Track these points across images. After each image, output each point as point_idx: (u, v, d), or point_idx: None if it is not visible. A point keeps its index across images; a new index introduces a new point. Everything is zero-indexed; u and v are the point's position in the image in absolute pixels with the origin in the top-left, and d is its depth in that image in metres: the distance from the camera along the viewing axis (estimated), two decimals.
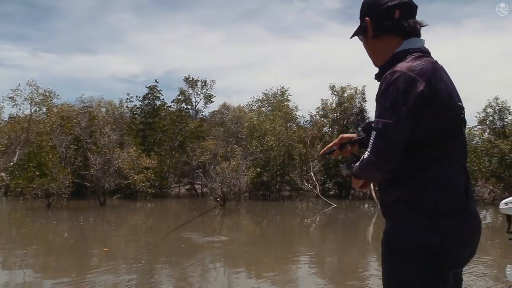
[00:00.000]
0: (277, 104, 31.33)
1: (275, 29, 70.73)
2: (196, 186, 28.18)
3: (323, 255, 8.85)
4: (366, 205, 22.12)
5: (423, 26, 1.59)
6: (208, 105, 37.73)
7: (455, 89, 1.54)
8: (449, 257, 1.45)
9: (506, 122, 24.23)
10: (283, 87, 34.01)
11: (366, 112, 28.56)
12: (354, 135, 1.72)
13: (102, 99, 30.41)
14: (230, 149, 25.10)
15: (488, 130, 24.88)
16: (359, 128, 1.69)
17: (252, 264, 7.49)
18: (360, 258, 8.43)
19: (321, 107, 29.63)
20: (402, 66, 1.43)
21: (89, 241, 10.32)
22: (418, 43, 1.55)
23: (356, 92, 28.39)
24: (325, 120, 29.36)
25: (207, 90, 36.03)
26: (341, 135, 1.77)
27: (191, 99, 34.26)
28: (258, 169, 23.81)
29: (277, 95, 33.85)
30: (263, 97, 34.66)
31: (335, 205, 20.87)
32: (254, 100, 35.23)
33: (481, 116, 25.13)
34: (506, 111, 24.24)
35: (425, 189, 1.45)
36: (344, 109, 28.14)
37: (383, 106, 1.43)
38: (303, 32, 71.91)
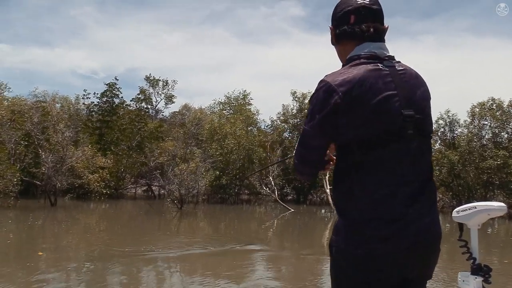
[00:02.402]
0: (238, 108, 31.36)
1: (240, 33, 70.91)
2: (153, 188, 27.62)
3: (280, 260, 8.90)
4: (323, 211, 22.52)
5: (381, 30, 1.56)
6: (169, 106, 37.06)
7: (408, 96, 1.46)
8: (380, 271, 1.39)
9: (456, 134, 25.46)
10: (245, 90, 34.14)
11: None
12: None
13: (57, 94, 29.17)
14: (189, 151, 24.82)
15: (439, 141, 26.03)
16: None
17: (208, 268, 7.39)
18: (316, 263, 8.55)
19: (282, 112, 29.97)
20: (329, 75, 1.47)
21: (31, 243, 9.79)
22: (367, 48, 1.52)
23: None
24: (286, 126, 29.70)
25: (168, 90, 35.39)
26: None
27: (151, 99, 33.50)
28: (217, 172, 23.68)
29: (239, 99, 33.89)
30: (225, 100, 34.59)
31: (293, 210, 21.10)
32: (216, 103, 35.11)
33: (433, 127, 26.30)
34: (456, 123, 25.46)
35: (351, 197, 1.43)
36: (304, 115, 28.54)
37: (307, 112, 1.51)
38: (268, 38, 72.54)
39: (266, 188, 25.25)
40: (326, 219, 19.54)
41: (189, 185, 20.47)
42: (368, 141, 1.40)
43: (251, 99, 33.83)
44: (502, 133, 24.82)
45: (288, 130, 29.85)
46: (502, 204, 2.49)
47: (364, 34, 1.53)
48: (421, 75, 1.59)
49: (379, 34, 1.55)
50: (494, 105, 23.94)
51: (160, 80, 34.68)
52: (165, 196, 22.08)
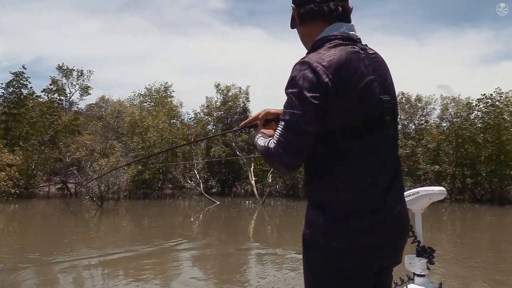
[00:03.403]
0: (160, 100, 30.45)
1: (160, 23, 68.70)
2: (69, 185, 25.91)
3: (206, 253, 8.85)
4: (247, 202, 22.81)
5: (347, 9, 1.48)
6: (85, 98, 34.75)
7: (383, 81, 1.41)
8: (363, 263, 1.36)
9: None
10: (166, 82, 33.19)
11: (249, 112, 29.46)
12: (280, 110, 1.54)
13: None
14: (109, 145, 23.64)
15: None
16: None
17: (132, 273, 7.08)
18: (241, 255, 8.64)
19: (205, 105, 29.71)
20: (312, 56, 1.35)
21: None
22: (341, 28, 1.43)
23: (240, 92, 29.08)
24: (209, 118, 29.52)
25: (83, 81, 33.08)
26: (266, 109, 1.65)
27: (65, 90, 31.15)
28: (140, 167, 22.87)
29: (160, 91, 32.89)
30: (145, 92, 33.35)
31: (218, 203, 21.11)
32: (136, 95, 33.71)
33: None
34: None
35: (333, 189, 1.36)
36: (229, 107, 28.62)
37: (291, 96, 1.35)
38: (189, 29, 71.24)
39: (190, 181, 24.95)
40: (250, 210, 19.85)
41: (109, 181, 19.53)
42: (353, 128, 1.33)
43: (173, 91, 33.04)
44: (410, 125, 27.25)
45: (212, 123, 29.70)
46: (442, 188, 2.66)
47: (333, 13, 1.44)
48: None
49: (346, 15, 1.47)
50: (403, 99, 26.15)
51: (74, 70, 32.39)
52: (83, 194, 20.83)
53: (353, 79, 1.33)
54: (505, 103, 23.15)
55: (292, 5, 1.54)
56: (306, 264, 1.44)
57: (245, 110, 29.33)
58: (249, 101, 29.39)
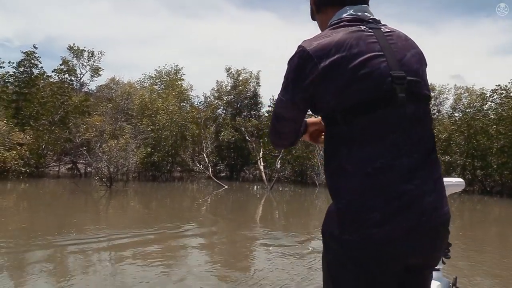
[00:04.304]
0: (170, 83, 30.43)
1: (171, 5, 68.45)
2: (79, 166, 26.18)
3: (212, 239, 8.88)
4: (255, 187, 22.87)
5: None
6: (95, 79, 34.98)
7: (398, 56, 1.33)
8: (375, 257, 1.24)
9: None
10: (177, 65, 33.18)
11: (259, 97, 29.36)
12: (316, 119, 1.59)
13: None
14: (118, 127, 23.73)
15: None
16: None
17: (138, 250, 7.14)
18: (248, 240, 8.65)
19: (216, 89, 29.61)
20: (305, 41, 1.34)
21: None
22: (348, 12, 1.41)
23: (251, 76, 28.93)
24: (219, 102, 29.44)
25: (94, 62, 33.01)
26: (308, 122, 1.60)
27: (75, 70, 31.17)
28: (149, 149, 23.00)
29: (170, 74, 32.81)
30: (155, 74, 33.32)
31: (226, 187, 21.19)
32: (146, 77, 33.75)
33: None
34: None
35: (342, 174, 1.28)
36: (239, 92, 28.50)
37: (282, 81, 1.37)
38: (201, 12, 70.88)
39: (199, 165, 25.03)
40: (258, 195, 19.89)
41: (119, 163, 19.65)
42: (351, 108, 1.26)
43: (184, 74, 33.00)
44: None
45: (222, 107, 29.65)
46: (461, 179, 2.56)
47: None
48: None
49: None
50: None
51: (85, 50, 32.34)
52: (92, 175, 21.02)
53: (345, 58, 1.26)
54: None
55: None
56: (323, 259, 1.37)
57: (255, 95, 29.21)
58: (259, 86, 29.28)
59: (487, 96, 23.66)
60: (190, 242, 8.26)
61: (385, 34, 1.36)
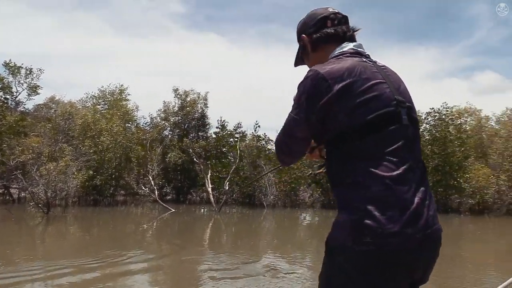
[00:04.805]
0: (114, 103, 29.50)
1: (117, 24, 67.10)
2: (12, 191, 24.38)
3: (158, 263, 8.56)
4: (202, 209, 22.51)
5: (356, 31, 1.64)
6: (33, 97, 32.86)
7: (395, 86, 1.47)
8: (392, 270, 1.28)
9: None
10: (122, 85, 32.13)
11: (207, 118, 29.23)
12: None
13: None
14: (58, 148, 22.49)
15: None
16: None
17: (77, 281, 6.70)
18: (195, 264, 8.44)
19: (162, 109, 29.14)
20: (316, 66, 1.46)
21: None
22: (349, 46, 1.56)
23: (198, 97, 28.83)
24: (166, 123, 28.96)
25: (32, 79, 31.36)
26: None
27: (11, 88, 29.38)
28: (91, 172, 21.97)
29: (115, 93, 31.81)
30: (99, 94, 32.13)
31: (173, 210, 20.67)
32: (89, 97, 32.44)
33: None
34: None
35: (358, 188, 1.32)
36: (186, 113, 28.24)
37: (293, 100, 1.48)
38: (147, 32, 70.03)
39: (145, 188, 24.28)
40: (206, 217, 19.58)
41: (57, 187, 18.57)
42: (365, 125, 1.36)
43: (129, 94, 32.05)
44: None
45: (169, 128, 29.16)
46: None
47: (346, 34, 1.59)
48: None
49: (353, 36, 1.62)
50: None
51: (22, 67, 30.68)
52: (27, 200, 19.65)
53: (358, 82, 1.39)
54: (450, 117, 24.45)
55: (303, 36, 1.65)
56: (330, 270, 1.36)
57: (203, 116, 29.07)
58: (207, 107, 29.18)
59: (422, 119, 25.24)
60: (134, 269, 7.88)
61: (381, 67, 1.52)
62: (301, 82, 1.46)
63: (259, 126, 28.53)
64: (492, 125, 26.98)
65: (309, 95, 1.42)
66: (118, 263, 8.26)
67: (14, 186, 23.48)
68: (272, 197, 25.01)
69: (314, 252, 10.43)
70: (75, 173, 19.96)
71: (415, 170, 1.38)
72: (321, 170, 1.68)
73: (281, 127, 1.55)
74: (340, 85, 1.37)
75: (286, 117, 1.50)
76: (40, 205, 17.18)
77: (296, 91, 1.49)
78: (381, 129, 1.37)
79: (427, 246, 1.34)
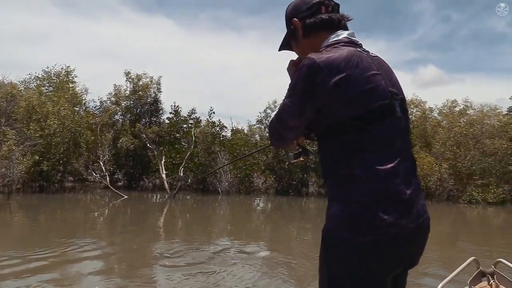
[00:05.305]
0: (60, 85, 28.08)
1: (61, 2, 63.39)
2: None
3: (110, 249, 8.41)
4: (156, 196, 22.20)
5: (349, 20, 1.61)
6: None
7: (388, 77, 1.47)
8: (389, 259, 1.33)
9: None
10: (68, 66, 30.58)
11: (160, 103, 28.64)
12: None
13: None
14: (1, 132, 21.21)
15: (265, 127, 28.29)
16: None
17: (23, 271, 6.45)
18: (148, 251, 8.37)
19: (113, 93, 28.18)
20: (313, 54, 1.42)
21: None
22: (344, 34, 1.53)
23: (151, 82, 28.11)
24: (117, 108, 28.07)
25: None
26: None
27: None
28: (37, 157, 20.94)
29: (61, 75, 30.27)
30: (43, 75, 30.44)
31: (125, 197, 20.24)
32: (32, 78, 30.66)
33: (261, 116, 28.50)
34: None
35: (353, 180, 1.33)
36: (139, 97, 27.51)
37: (288, 89, 1.44)
38: (93, 12, 66.83)
39: (95, 174, 23.53)
40: (160, 204, 19.35)
41: (0, 172, 17.59)
42: (362, 116, 1.35)
43: (76, 77, 30.59)
44: None
45: (120, 113, 28.28)
46: None
47: (341, 22, 1.56)
48: None
49: (346, 24, 1.60)
50: None
51: None
52: None
53: (355, 72, 1.37)
54: None
55: (294, 20, 1.59)
56: (327, 262, 1.38)
57: (156, 101, 28.45)
58: (160, 92, 28.55)
59: None
60: (83, 256, 7.69)
61: (374, 57, 1.51)
62: (298, 69, 1.42)
63: (213, 113, 28.40)
64: (435, 116, 28.44)
65: (305, 84, 1.38)
66: (67, 252, 8.01)
67: None
68: (227, 183, 25.09)
69: (267, 238, 10.65)
70: (20, 158, 18.97)
71: (407, 162, 1.42)
72: (299, 160, 1.67)
73: (275, 112, 1.53)
74: (338, 75, 1.35)
75: (281, 102, 1.48)
76: None
77: (292, 78, 1.46)
78: (377, 121, 1.37)
79: (418, 235, 1.40)
